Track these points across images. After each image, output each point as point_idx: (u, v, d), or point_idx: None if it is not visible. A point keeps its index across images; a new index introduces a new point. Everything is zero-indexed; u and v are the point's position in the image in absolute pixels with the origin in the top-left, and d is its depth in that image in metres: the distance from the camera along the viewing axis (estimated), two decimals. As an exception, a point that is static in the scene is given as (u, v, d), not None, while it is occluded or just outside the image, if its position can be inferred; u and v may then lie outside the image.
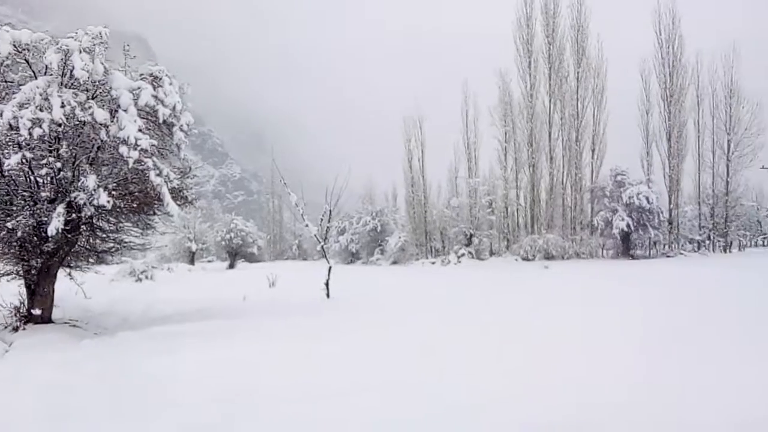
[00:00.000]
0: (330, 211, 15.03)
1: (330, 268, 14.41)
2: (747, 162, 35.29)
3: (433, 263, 36.04)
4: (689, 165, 36.28)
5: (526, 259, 33.20)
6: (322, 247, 15.50)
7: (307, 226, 14.91)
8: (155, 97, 8.86)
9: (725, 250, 36.54)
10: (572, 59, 36.39)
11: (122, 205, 9.49)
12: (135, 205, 9.67)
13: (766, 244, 46.16)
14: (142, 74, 9.26)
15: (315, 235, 15.15)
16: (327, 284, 13.94)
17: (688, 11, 36.18)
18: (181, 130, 9.35)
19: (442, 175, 42.54)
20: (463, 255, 35.09)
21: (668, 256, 32.52)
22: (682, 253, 33.50)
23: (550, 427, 4.06)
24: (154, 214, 10.40)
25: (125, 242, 11.10)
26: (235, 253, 43.82)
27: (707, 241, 36.53)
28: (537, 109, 36.83)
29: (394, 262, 38.61)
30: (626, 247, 33.02)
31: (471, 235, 36.14)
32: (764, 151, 35.32)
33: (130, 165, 8.30)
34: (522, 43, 37.12)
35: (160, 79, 9.16)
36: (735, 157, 35.23)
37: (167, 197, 8.91)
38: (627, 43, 43.66)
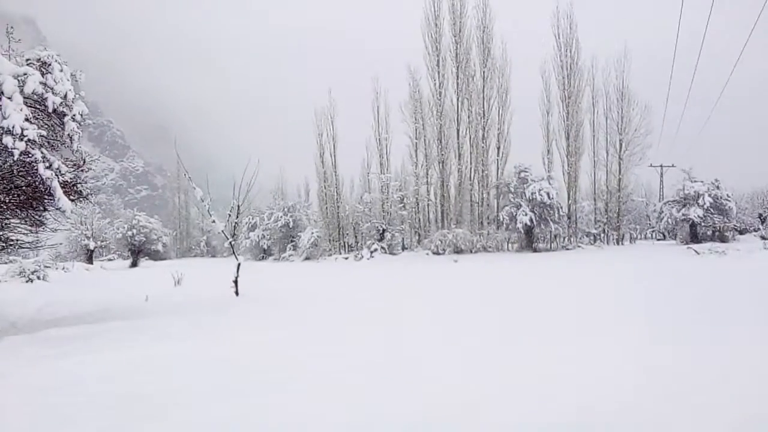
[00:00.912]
0: (238, 206, 14.64)
1: (239, 264, 14.06)
2: (637, 160, 38.11)
3: (347, 258, 36.11)
4: (586, 163, 38.42)
5: (436, 253, 33.97)
6: (230, 243, 15.10)
7: (213, 222, 14.47)
8: (44, 84, 8.29)
9: (618, 243, 39.16)
10: (478, 59, 37.40)
11: (8, 201, 8.85)
12: (22, 200, 9.02)
13: (653, 236, 49.96)
14: (28, 59, 8.63)
15: (222, 232, 14.73)
16: (236, 281, 13.62)
17: (584, 17, 38.34)
18: (74, 120, 8.80)
19: (355, 170, 42.36)
20: (375, 250, 35.39)
21: (567, 249, 34.40)
22: (580, 246, 35.46)
23: (441, 420, 4.17)
24: (45, 209, 9.72)
25: (12, 240, 10.30)
26: (138, 251, 41.96)
27: (602, 235, 39.05)
28: (446, 107, 37.57)
29: (307, 258, 38.41)
30: (529, 241, 34.56)
31: (383, 230, 36.53)
32: (652, 150, 38.55)
33: (16, 157, 7.74)
34: (431, 41, 37.72)
35: (50, 65, 8.58)
36: (626, 155, 37.67)
37: (58, 191, 8.37)
38: (531, 45, 45.57)
